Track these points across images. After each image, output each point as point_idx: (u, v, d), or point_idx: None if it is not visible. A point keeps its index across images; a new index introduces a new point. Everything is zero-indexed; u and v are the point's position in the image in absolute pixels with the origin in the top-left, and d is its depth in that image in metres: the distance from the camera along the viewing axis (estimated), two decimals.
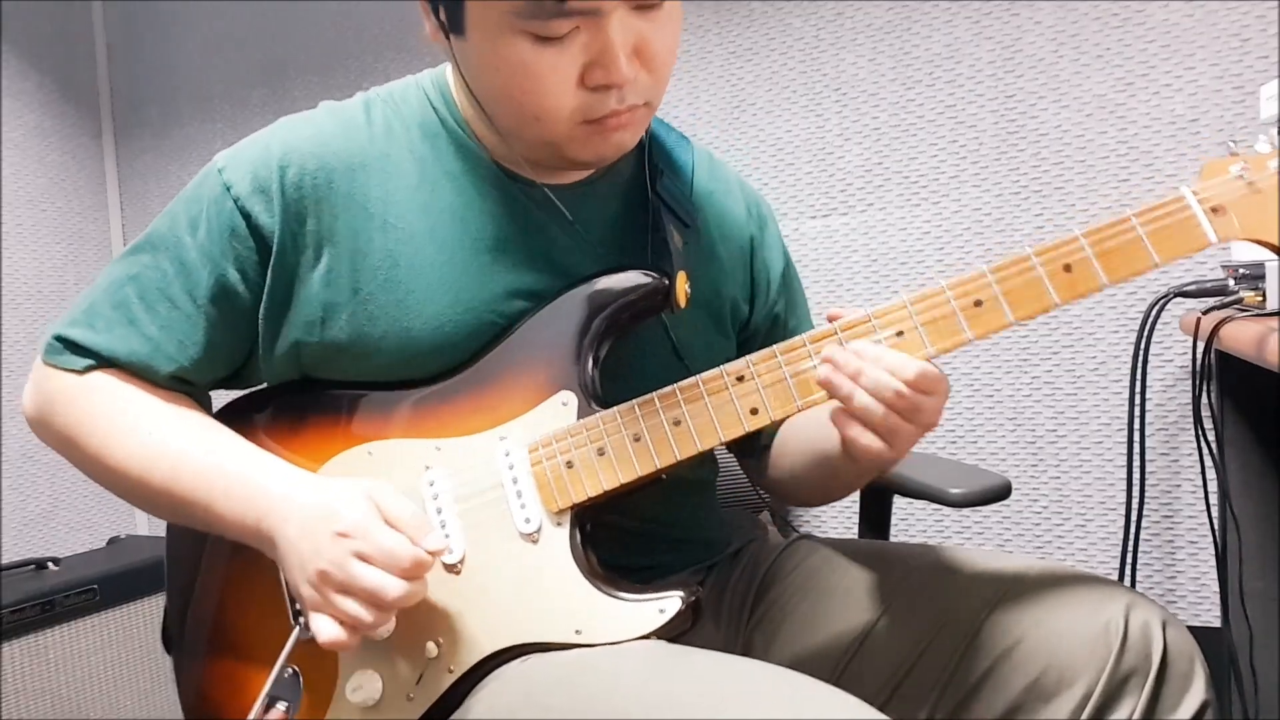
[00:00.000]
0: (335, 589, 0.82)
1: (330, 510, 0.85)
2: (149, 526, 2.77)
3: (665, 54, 0.88)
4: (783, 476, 1.12)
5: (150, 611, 1.97)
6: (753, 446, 1.15)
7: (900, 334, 0.86)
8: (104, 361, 0.96)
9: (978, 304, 0.86)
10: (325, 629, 0.83)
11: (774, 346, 0.89)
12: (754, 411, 0.89)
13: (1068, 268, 0.85)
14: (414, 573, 0.83)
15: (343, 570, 0.82)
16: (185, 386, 0.99)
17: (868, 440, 0.84)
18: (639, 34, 0.85)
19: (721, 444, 0.90)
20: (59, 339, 0.97)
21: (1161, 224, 0.84)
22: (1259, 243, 0.84)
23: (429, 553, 0.83)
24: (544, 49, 0.83)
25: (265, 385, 1.03)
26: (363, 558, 0.82)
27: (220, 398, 1.04)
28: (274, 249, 0.93)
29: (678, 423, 0.89)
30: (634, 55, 0.85)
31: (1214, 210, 0.83)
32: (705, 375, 0.90)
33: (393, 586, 0.81)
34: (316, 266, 0.94)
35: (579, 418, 0.91)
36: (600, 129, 0.89)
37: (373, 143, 0.96)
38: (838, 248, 2.03)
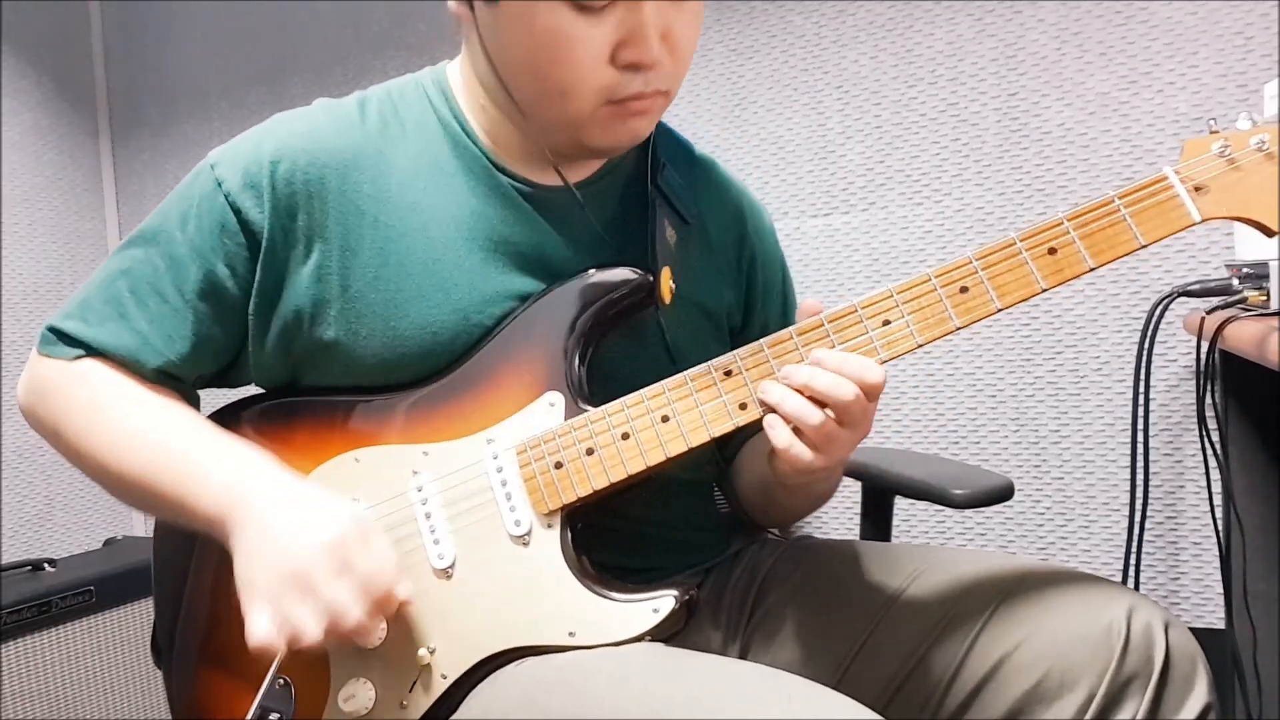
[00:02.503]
0: (297, 591, 0.80)
1: (321, 520, 0.84)
2: (145, 528, 2.76)
3: (688, 43, 0.90)
4: (741, 495, 1.14)
5: (147, 613, 1.96)
6: (722, 456, 1.15)
7: (887, 323, 0.87)
8: (93, 352, 0.96)
9: (963, 290, 0.86)
10: (265, 630, 0.80)
11: (761, 340, 0.89)
12: (742, 406, 0.88)
13: (1052, 251, 0.85)
14: (380, 605, 0.82)
15: (314, 579, 0.80)
16: (173, 382, 0.99)
17: (798, 450, 0.85)
18: (668, 21, 0.87)
19: (710, 440, 0.89)
20: (53, 330, 0.98)
21: (1145, 204, 0.84)
22: (1242, 220, 0.84)
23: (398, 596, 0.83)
24: (581, 19, 0.84)
25: (252, 393, 1.02)
26: (338, 573, 0.81)
27: (208, 404, 1.03)
28: (263, 244, 0.93)
29: (666, 420, 0.89)
30: (662, 39, 0.87)
31: (1196, 189, 0.84)
32: (693, 371, 0.89)
33: (355, 613, 0.80)
34: (306, 262, 0.94)
35: (566, 418, 0.91)
36: (622, 111, 0.89)
37: (367, 140, 0.96)
38: (839, 246, 2.02)
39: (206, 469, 0.90)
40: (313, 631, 0.80)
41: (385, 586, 0.82)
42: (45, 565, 1.94)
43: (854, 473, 1.37)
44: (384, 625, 0.87)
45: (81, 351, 0.96)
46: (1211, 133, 0.86)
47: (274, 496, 0.86)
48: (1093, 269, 0.85)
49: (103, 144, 2.81)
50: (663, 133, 1.05)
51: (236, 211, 0.93)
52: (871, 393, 0.84)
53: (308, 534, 0.83)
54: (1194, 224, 0.84)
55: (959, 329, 0.86)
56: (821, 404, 0.84)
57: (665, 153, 1.04)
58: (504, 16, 0.87)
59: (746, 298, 1.11)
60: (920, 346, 0.86)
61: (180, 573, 1.01)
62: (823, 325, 0.88)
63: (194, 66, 2.72)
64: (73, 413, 0.95)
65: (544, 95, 0.89)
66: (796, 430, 0.84)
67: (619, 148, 0.95)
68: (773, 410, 0.86)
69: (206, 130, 2.71)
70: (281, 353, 0.96)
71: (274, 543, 0.83)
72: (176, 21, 2.73)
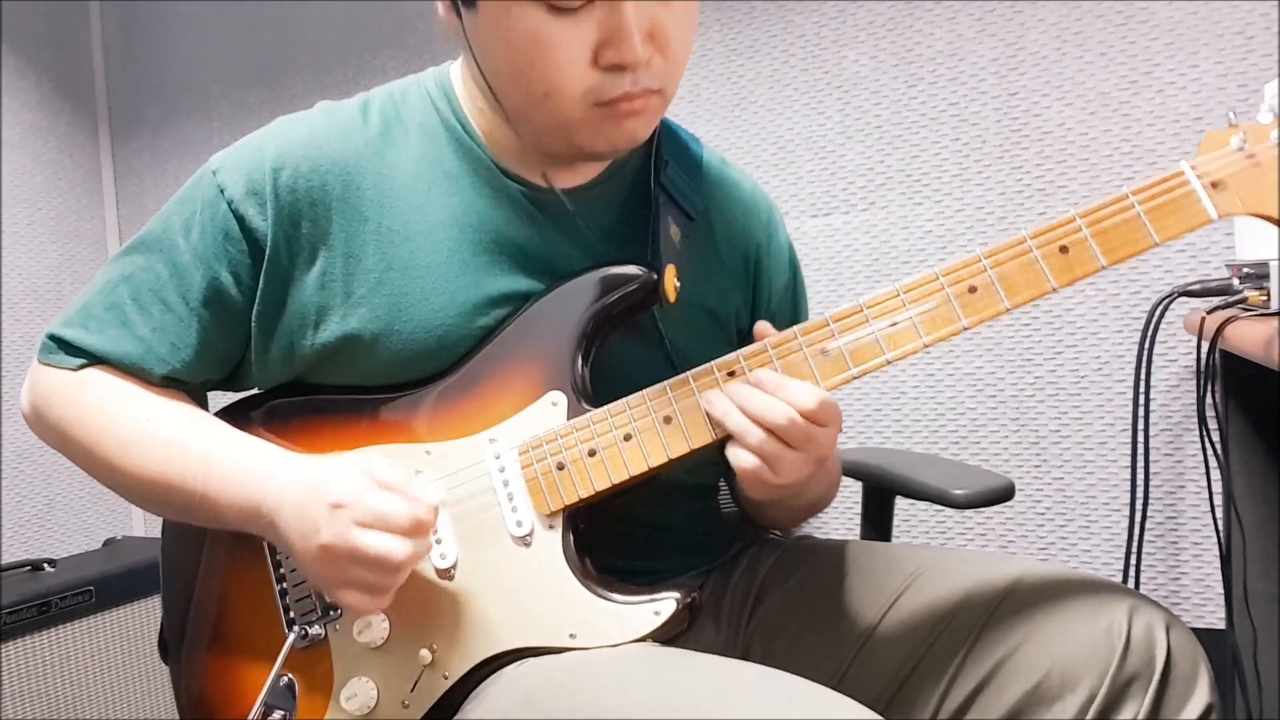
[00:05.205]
0: (344, 560, 0.82)
1: (321, 483, 0.84)
2: (145, 527, 2.76)
3: (680, 40, 0.87)
4: (738, 498, 1.13)
5: (146, 613, 1.96)
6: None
7: (894, 325, 0.86)
8: (97, 361, 0.96)
9: (972, 290, 0.84)
10: (355, 601, 0.83)
11: (766, 340, 0.88)
12: None
13: (1064, 249, 0.83)
14: (415, 531, 0.82)
15: (345, 541, 0.81)
16: (179, 387, 0.99)
17: (744, 460, 0.85)
18: (654, 17, 0.84)
19: (713, 441, 0.88)
20: (54, 338, 0.97)
21: (1160, 201, 0.82)
22: (1261, 217, 0.82)
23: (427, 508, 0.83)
24: (556, 20, 0.82)
25: (257, 391, 1.02)
26: (362, 525, 0.82)
27: (214, 404, 1.03)
28: (267, 252, 0.93)
29: (669, 420, 0.88)
30: (648, 38, 0.84)
31: (1214, 185, 0.81)
32: (696, 371, 0.89)
33: (398, 548, 0.81)
34: (310, 269, 0.93)
35: (569, 418, 0.90)
36: (612, 113, 0.87)
37: (369, 144, 0.95)
38: (839, 246, 2.02)
39: (224, 465, 0.90)
40: (383, 580, 0.83)
41: (407, 513, 0.82)
42: (45, 565, 1.94)
43: (854, 473, 1.37)
44: (386, 622, 0.88)
45: (84, 361, 0.96)
46: (1230, 126, 0.83)
47: (286, 477, 0.87)
48: (1105, 268, 0.82)
49: (102, 144, 2.81)
50: (667, 130, 1.04)
51: (239, 219, 0.92)
52: (811, 418, 0.83)
53: (318, 505, 0.83)
54: (1211, 221, 0.81)
55: (966, 329, 0.84)
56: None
57: (670, 150, 1.03)
58: (483, 22, 0.86)
59: (754, 298, 1.10)
60: (926, 347, 0.85)
61: (189, 570, 1.01)
62: (828, 325, 0.87)
63: (194, 66, 2.72)
64: (81, 418, 0.95)
65: (530, 100, 0.88)
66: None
67: (617, 150, 0.93)
68: (719, 422, 0.86)
69: (206, 130, 2.71)
70: (285, 358, 0.96)
71: (300, 524, 0.85)
72: (176, 21, 2.73)
